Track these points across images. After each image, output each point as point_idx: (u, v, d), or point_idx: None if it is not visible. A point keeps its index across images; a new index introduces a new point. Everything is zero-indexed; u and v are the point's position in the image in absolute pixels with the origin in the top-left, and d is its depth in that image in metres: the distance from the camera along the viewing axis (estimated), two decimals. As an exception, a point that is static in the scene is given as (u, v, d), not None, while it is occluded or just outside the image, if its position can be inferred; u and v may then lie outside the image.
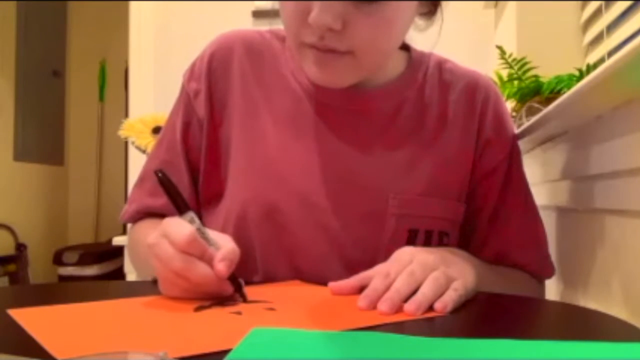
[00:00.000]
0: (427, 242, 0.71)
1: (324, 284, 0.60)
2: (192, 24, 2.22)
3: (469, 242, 0.76)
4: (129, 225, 0.84)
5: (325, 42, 0.62)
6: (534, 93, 1.10)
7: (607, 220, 0.73)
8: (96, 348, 0.39)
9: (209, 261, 0.53)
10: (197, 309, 0.51)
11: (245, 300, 0.54)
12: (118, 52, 3.58)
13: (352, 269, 0.61)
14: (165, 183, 0.56)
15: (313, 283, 0.66)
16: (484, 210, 0.76)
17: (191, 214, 0.55)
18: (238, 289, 0.55)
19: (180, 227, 0.54)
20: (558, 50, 1.35)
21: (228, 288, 0.55)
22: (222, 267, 0.52)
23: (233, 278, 0.55)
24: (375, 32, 0.63)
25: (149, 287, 0.57)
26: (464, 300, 0.55)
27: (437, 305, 0.52)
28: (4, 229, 3.26)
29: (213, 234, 0.56)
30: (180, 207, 0.55)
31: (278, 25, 0.75)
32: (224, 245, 0.55)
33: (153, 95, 2.23)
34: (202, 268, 0.53)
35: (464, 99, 0.76)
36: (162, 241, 0.54)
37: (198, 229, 0.54)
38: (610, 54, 1.15)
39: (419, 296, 0.52)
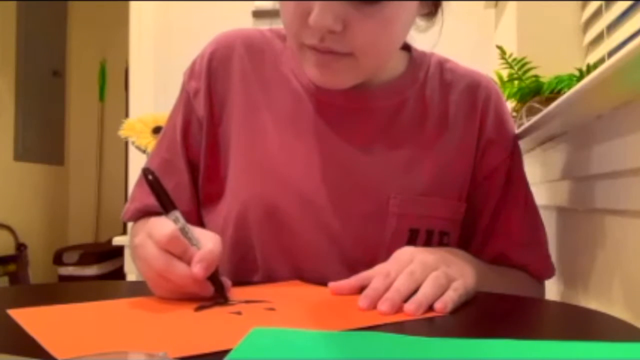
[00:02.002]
0: (427, 242, 0.71)
1: (324, 283, 0.60)
2: (192, 24, 2.22)
3: (470, 242, 0.76)
4: (129, 225, 0.84)
5: (326, 43, 0.62)
6: (534, 93, 1.10)
7: (607, 220, 0.73)
8: (96, 348, 0.39)
9: (190, 261, 0.53)
10: (198, 309, 0.51)
11: (226, 301, 0.54)
12: (118, 52, 3.58)
13: (352, 269, 0.61)
14: (152, 181, 0.55)
15: (313, 283, 0.66)
16: (484, 210, 0.76)
17: (176, 213, 0.54)
18: (219, 290, 0.54)
19: (163, 225, 0.53)
20: (558, 50, 1.35)
21: (209, 289, 0.54)
22: (198, 269, 0.52)
23: (215, 279, 0.54)
24: (376, 33, 0.63)
25: (149, 287, 0.57)
26: (464, 300, 0.55)
27: (437, 305, 0.52)
28: (4, 229, 3.26)
29: (198, 233, 0.55)
30: (165, 206, 0.54)
31: (278, 25, 0.75)
32: (205, 245, 0.54)
33: (153, 95, 2.23)
34: (181, 268, 0.52)
35: (465, 99, 0.76)
36: (147, 242, 0.54)
37: (182, 228, 0.53)
38: (610, 54, 1.15)
39: (419, 296, 0.52)
